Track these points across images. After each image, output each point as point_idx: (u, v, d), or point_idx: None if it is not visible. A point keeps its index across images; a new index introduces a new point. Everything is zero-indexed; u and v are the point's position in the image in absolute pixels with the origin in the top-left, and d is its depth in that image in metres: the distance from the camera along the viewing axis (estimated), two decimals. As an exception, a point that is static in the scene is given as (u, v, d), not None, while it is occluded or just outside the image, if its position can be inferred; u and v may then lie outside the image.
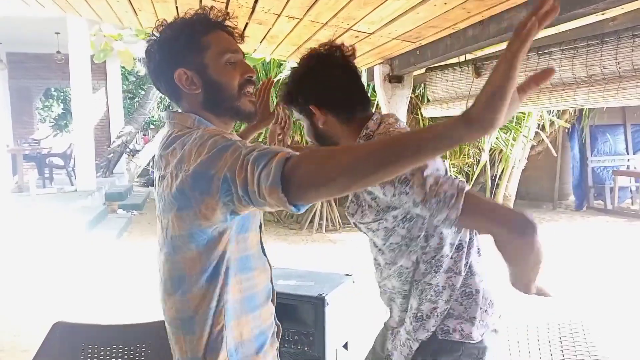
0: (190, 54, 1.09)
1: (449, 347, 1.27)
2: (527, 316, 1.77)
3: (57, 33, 8.70)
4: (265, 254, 1.17)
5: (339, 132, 1.36)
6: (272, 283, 1.19)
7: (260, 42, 2.82)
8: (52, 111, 15.94)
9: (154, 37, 1.12)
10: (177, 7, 2.46)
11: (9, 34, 9.11)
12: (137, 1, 2.45)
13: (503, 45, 2.26)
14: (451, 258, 1.29)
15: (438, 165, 1.17)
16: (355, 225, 1.39)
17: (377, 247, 1.38)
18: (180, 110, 1.14)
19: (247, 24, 2.50)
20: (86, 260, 5.37)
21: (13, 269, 4.90)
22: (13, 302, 4.11)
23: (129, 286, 4.47)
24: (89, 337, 1.57)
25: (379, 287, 1.46)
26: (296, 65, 1.44)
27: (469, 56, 2.38)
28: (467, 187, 1.12)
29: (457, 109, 2.40)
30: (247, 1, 2.12)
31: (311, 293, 2.18)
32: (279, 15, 2.23)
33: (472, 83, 2.25)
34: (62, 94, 15.32)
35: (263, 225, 1.18)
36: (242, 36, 1.17)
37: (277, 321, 1.23)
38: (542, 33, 1.99)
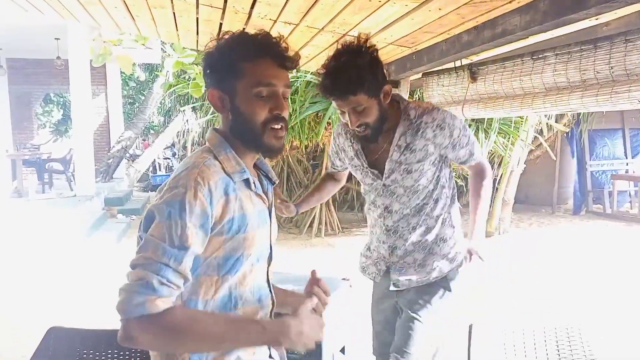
0: (227, 77, 1.09)
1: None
2: (524, 319, 1.77)
3: (57, 39, 8.72)
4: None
5: (391, 112, 1.72)
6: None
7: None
8: (52, 116, 15.98)
9: (210, 50, 1.11)
10: (174, 14, 2.47)
11: (9, 40, 9.14)
12: (135, 7, 2.47)
13: (498, 50, 2.28)
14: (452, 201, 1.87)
15: None
16: (389, 173, 1.77)
17: (401, 190, 1.79)
18: (218, 127, 1.17)
19: (243, 29, 2.52)
20: (85, 265, 5.36)
21: (12, 274, 4.90)
22: (12, 307, 4.10)
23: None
24: (84, 342, 1.57)
25: (387, 228, 1.84)
26: (342, 57, 1.59)
27: (464, 61, 2.39)
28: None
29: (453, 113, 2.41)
30: (243, 7, 2.13)
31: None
32: (275, 21, 2.24)
33: (467, 87, 2.26)
34: (62, 99, 15.35)
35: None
36: (294, 62, 1.11)
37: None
38: (536, 38, 2.00)
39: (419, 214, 1.80)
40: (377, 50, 1.63)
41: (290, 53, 1.10)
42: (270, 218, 1.17)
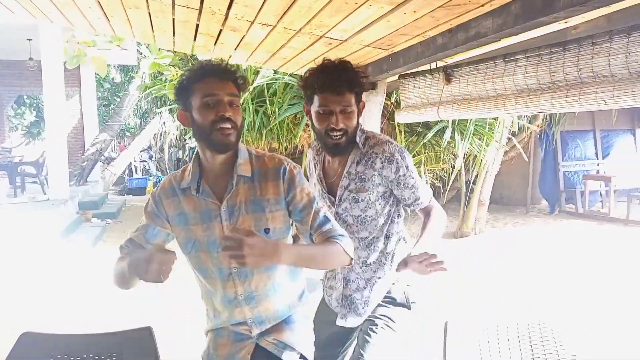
0: (185, 98, 1.38)
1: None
2: (496, 316, 1.81)
3: (29, 39, 8.54)
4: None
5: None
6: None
7: (235, 49, 2.83)
8: (25, 119, 15.59)
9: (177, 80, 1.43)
10: (149, 14, 2.45)
11: (-21, 40, 8.91)
12: (110, 8, 2.44)
13: (471, 53, 2.32)
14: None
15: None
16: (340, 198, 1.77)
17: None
18: None
19: (220, 30, 2.51)
20: (59, 270, 5.25)
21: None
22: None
23: (103, 295, 4.38)
24: (57, 347, 1.54)
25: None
26: (334, 60, 1.66)
27: (439, 63, 2.44)
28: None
29: (429, 115, 2.44)
30: (220, 8, 2.13)
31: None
32: (252, 22, 2.24)
33: (442, 89, 2.29)
34: (34, 101, 15.00)
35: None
36: (233, 74, 1.38)
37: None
38: (508, 41, 2.05)
39: (368, 248, 1.77)
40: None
41: (231, 69, 1.38)
42: (222, 216, 1.39)
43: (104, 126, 11.21)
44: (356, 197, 1.73)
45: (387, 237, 1.77)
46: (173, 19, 2.47)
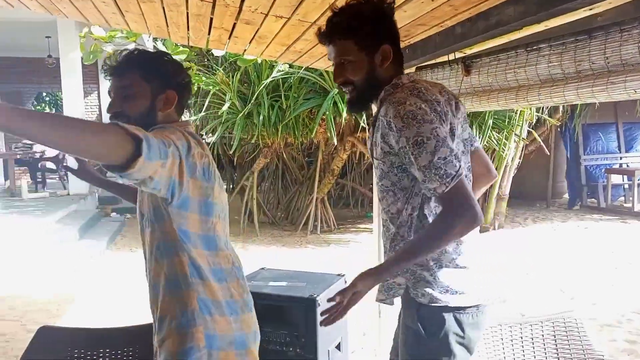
0: None
1: None
2: (521, 313, 1.76)
3: (48, 37, 8.66)
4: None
5: (386, 79, 1.41)
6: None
7: (250, 43, 2.80)
8: (45, 115, 15.83)
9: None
10: (163, 8, 2.43)
11: (1, 39, 9.05)
12: (124, 2, 2.43)
13: (492, 43, 2.26)
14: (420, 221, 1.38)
15: (452, 146, 1.25)
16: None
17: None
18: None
19: (235, 24, 2.48)
20: (77, 265, 5.32)
21: (3, 274, 4.85)
22: (3, 308, 4.06)
23: (121, 290, 4.43)
24: (75, 341, 1.54)
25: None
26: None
27: (458, 54, 2.37)
28: (463, 177, 1.24)
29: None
30: (233, 0, 2.10)
31: (302, 294, 2.16)
32: (266, 15, 2.21)
33: (461, 81, 2.23)
34: (54, 98, 15.22)
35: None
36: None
37: None
38: (531, 30, 1.98)
39: (392, 223, 1.41)
40: (392, 5, 1.42)
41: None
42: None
43: (122, 122, 11.34)
44: (375, 163, 1.46)
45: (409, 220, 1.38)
46: (187, 13, 2.45)
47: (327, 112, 5.55)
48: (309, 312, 2.10)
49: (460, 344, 1.34)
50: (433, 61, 2.51)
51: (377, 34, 1.39)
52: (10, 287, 4.57)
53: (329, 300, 1.27)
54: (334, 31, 1.40)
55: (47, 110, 15.57)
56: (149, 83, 1.36)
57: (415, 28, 2.12)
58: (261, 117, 5.75)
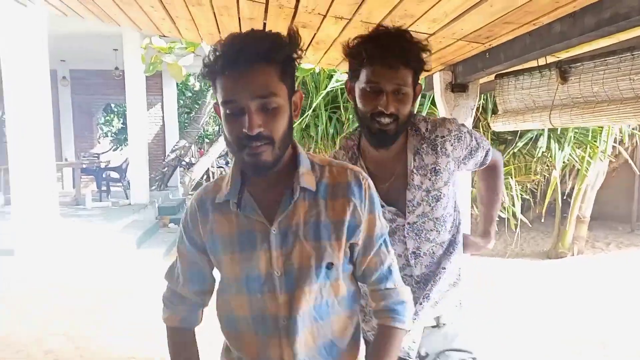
0: (215, 91, 0.99)
1: None
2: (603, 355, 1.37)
3: (115, 49, 8.93)
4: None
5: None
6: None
7: (306, 50, 2.56)
8: (113, 126, 16.54)
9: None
10: (214, 13, 2.24)
11: (72, 51, 9.46)
12: (173, 7, 2.26)
13: (599, 44, 1.86)
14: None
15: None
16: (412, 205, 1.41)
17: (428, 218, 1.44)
18: None
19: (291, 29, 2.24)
20: (133, 276, 5.28)
21: (64, 283, 4.88)
22: (64, 315, 4.03)
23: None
24: None
25: (417, 280, 1.47)
26: (389, 29, 1.31)
27: (550, 58, 2.00)
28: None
29: (536, 121, 2.01)
30: (288, 0, 1.86)
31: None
32: (324, 16, 1.95)
33: (556, 90, 1.86)
34: (121, 109, 15.87)
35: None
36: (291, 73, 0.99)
37: None
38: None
39: (448, 250, 1.47)
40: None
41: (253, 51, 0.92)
42: (271, 242, 1.02)
43: (184, 133, 11.54)
44: (437, 195, 1.41)
45: (458, 229, 1.51)
46: (239, 17, 2.24)
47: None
48: None
49: None
50: (518, 67, 2.15)
51: (421, 68, 1.33)
52: (69, 296, 4.56)
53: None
54: (406, 56, 1.27)
55: (115, 120, 16.26)
56: (285, 83, 0.97)
57: (501, 27, 1.78)
58: (319, 130, 5.52)
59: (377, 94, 1.28)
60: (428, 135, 1.39)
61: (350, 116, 5.49)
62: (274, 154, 0.97)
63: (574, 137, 5.07)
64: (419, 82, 1.36)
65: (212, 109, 11.41)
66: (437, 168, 1.38)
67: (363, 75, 1.30)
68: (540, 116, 1.94)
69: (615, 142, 6.13)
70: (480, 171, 1.65)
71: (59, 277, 5.07)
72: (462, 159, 1.45)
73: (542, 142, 4.88)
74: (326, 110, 5.64)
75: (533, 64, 2.05)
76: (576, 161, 5.32)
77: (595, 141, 5.13)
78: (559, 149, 4.95)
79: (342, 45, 1.34)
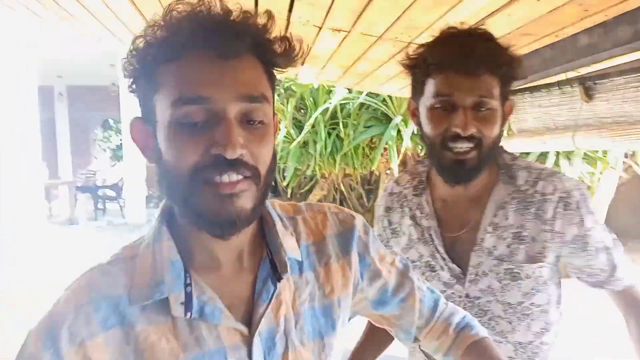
0: (141, 95, 0.63)
1: None
2: None
3: (112, 65, 8.81)
4: None
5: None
6: None
7: (302, 65, 2.38)
8: (111, 142, 16.40)
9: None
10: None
11: (69, 68, 9.37)
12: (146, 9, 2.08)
13: (633, 56, 1.67)
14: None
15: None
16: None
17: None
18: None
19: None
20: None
21: (64, 283, 4.69)
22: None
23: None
24: None
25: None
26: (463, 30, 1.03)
27: (571, 73, 1.81)
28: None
29: (558, 142, 1.81)
30: (280, 10, 1.67)
31: None
32: (320, 28, 1.77)
33: (580, 109, 1.67)
34: (119, 125, 15.75)
35: None
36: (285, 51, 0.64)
37: None
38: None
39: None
40: None
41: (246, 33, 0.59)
42: (253, 356, 0.63)
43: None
44: (514, 272, 1.01)
45: (552, 340, 1.10)
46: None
47: (390, 142, 5.06)
48: None
49: None
50: (535, 83, 1.95)
51: (510, 81, 1.01)
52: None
53: None
54: (491, 59, 0.95)
55: (114, 136, 16.11)
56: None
57: (519, 39, 1.59)
58: (318, 147, 5.36)
59: (450, 112, 0.96)
60: (525, 187, 1.03)
61: (351, 132, 5.31)
62: (255, 196, 0.61)
63: (584, 153, 4.90)
64: (508, 98, 1.02)
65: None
66: (523, 234, 1.01)
67: (430, 87, 0.98)
68: (562, 136, 1.75)
69: (625, 156, 5.94)
70: (625, 316, 1.12)
71: (59, 278, 4.91)
72: (565, 241, 1.01)
73: (551, 159, 4.70)
74: (325, 126, 5.49)
75: (552, 79, 1.86)
76: (585, 177, 5.13)
77: (605, 156, 4.95)
78: (569, 165, 4.77)
79: (400, 58, 1.06)
